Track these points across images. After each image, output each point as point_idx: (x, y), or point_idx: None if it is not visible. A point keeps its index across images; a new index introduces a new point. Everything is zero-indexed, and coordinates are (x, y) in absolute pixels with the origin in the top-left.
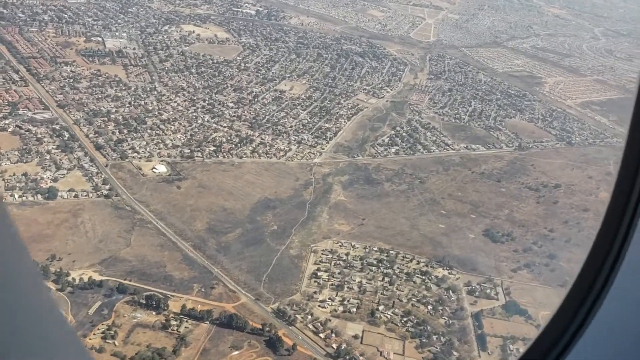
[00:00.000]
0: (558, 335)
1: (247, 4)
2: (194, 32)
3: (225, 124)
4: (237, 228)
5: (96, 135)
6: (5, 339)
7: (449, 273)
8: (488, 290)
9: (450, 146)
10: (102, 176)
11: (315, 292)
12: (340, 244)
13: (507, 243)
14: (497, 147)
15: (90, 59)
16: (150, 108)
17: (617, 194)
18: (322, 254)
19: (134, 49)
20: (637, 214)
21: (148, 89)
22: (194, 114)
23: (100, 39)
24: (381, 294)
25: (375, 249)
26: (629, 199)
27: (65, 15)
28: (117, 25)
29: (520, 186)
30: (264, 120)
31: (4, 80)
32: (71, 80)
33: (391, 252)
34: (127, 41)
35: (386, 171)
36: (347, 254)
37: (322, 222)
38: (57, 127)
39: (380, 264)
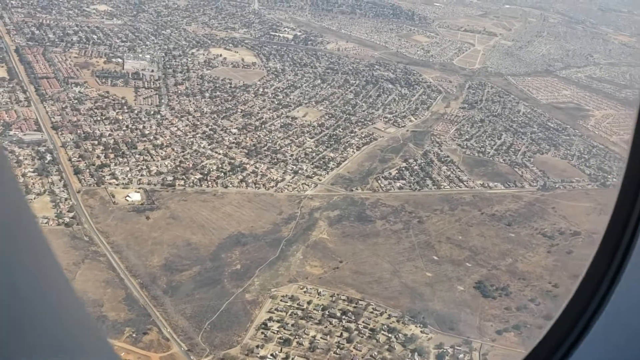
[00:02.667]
0: (562, 337)
1: (286, 29)
2: (221, 55)
3: (221, 151)
4: (196, 266)
5: (79, 159)
6: (33, 338)
7: (421, 331)
8: (461, 355)
9: (465, 183)
10: (71, 203)
11: (258, 346)
12: (305, 289)
13: (499, 299)
14: (518, 185)
15: (103, 81)
16: (147, 132)
17: (624, 195)
18: (280, 300)
19: (152, 71)
20: None
21: (152, 112)
22: (192, 139)
23: (120, 60)
24: (334, 352)
25: (344, 297)
26: (636, 200)
27: (95, 37)
28: (143, 47)
29: (533, 232)
30: (264, 148)
31: (8, 100)
32: (75, 101)
33: (361, 302)
34: (148, 63)
35: (383, 208)
36: (309, 302)
37: (293, 263)
38: (43, 149)
39: (343, 317)
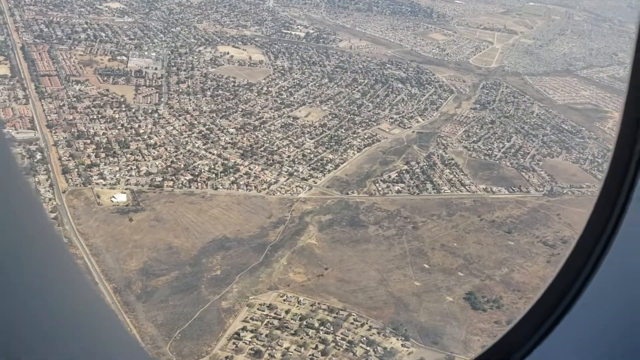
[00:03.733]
0: (539, 320)
1: (299, 26)
2: (228, 53)
3: (215, 151)
4: (174, 270)
5: (69, 158)
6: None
7: (402, 345)
8: None
9: (467, 187)
10: (55, 203)
11: (227, 357)
12: (285, 297)
13: (490, 311)
14: (524, 190)
15: (105, 79)
16: (142, 131)
17: (611, 174)
18: (257, 309)
19: (156, 69)
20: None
21: (149, 111)
22: (187, 139)
23: (125, 58)
24: None
25: (325, 307)
26: (624, 180)
27: (103, 34)
28: (150, 44)
29: (534, 240)
30: (261, 149)
31: (7, 97)
32: (74, 99)
33: (342, 312)
34: (153, 61)
35: (378, 212)
36: (287, 311)
37: (277, 270)
38: (34, 147)
39: (321, 327)
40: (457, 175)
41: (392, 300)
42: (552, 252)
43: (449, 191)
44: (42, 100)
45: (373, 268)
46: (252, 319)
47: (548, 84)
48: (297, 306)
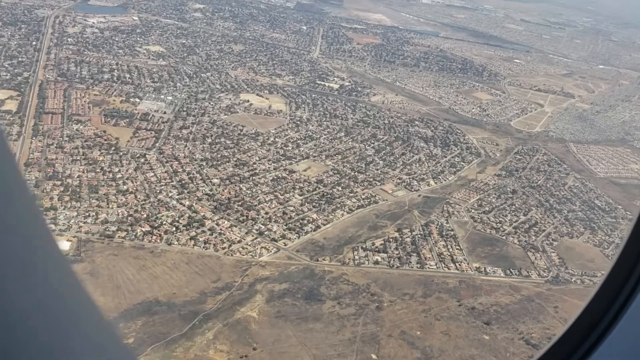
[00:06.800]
0: (584, 335)
1: (335, 78)
2: (248, 101)
3: (188, 202)
4: None
5: None
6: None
7: None
8: None
9: (458, 264)
10: None
11: None
12: None
13: None
14: (524, 274)
15: (108, 120)
16: (119, 176)
17: None
18: None
19: (165, 112)
20: None
21: (138, 155)
22: (163, 187)
23: (138, 100)
24: None
25: None
26: None
27: (127, 75)
28: (172, 88)
29: (515, 336)
30: (239, 202)
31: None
32: (66, 138)
33: None
34: (166, 105)
35: (344, 285)
36: None
37: (197, 344)
38: None
39: None
40: (450, 249)
41: None
42: (531, 354)
43: (434, 267)
44: (34, 138)
45: (310, 353)
46: None
47: (594, 154)
48: None
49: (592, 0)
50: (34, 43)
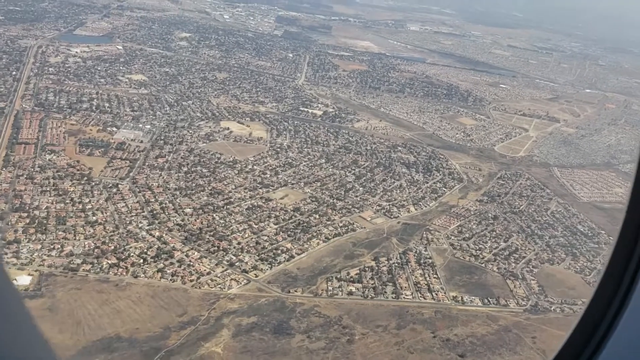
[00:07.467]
0: (588, 335)
1: (319, 105)
2: (228, 129)
3: (158, 233)
4: None
5: None
6: None
7: None
8: None
9: (434, 293)
10: None
11: None
12: None
13: None
14: (502, 303)
15: (83, 149)
16: (89, 207)
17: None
18: None
19: (141, 142)
20: None
21: (110, 185)
22: (133, 218)
23: (115, 129)
24: None
25: None
26: None
27: (106, 105)
28: (151, 117)
29: None
30: (211, 233)
31: None
32: (38, 169)
33: None
34: (143, 133)
35: (315, 318)
36: None
37: None
38: None
39: None
40: (427, 278)
41: None
42: None
43: (410, 297)
44: (4, 169)
45: None
46: None
47: (577, 178)
48: None
49: (581, 26)
50: (13, 73)
